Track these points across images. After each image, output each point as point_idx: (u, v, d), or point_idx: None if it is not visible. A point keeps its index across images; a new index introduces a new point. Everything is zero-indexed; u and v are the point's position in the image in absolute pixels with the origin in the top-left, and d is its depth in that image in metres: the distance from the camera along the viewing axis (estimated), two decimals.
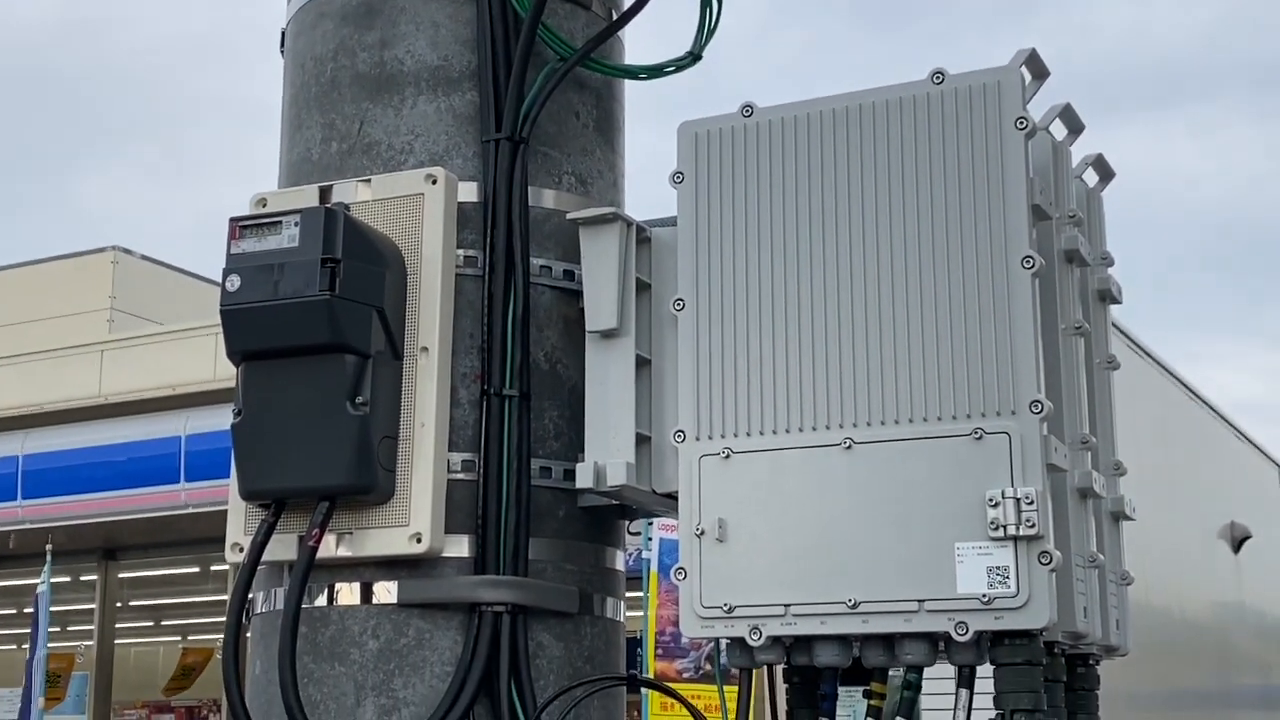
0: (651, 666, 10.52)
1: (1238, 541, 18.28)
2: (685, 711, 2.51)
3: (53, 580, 12.74)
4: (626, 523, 2.53)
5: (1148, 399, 15.60)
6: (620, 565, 2.47)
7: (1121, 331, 14.98)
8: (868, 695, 2.09)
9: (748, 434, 2.07)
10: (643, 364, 2.28)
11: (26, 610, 16.20)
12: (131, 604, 17.22)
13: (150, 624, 19.07)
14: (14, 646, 16.72)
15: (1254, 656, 19.69)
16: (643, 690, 10.56)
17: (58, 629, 12.98)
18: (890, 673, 2.12)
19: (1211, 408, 18.81)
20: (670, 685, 2.29)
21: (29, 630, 16.08)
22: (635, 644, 10.78)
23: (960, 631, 1.87)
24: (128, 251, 16.30)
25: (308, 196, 2.27)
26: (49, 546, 12.41)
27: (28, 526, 13.78)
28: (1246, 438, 20.64)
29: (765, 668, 2.13)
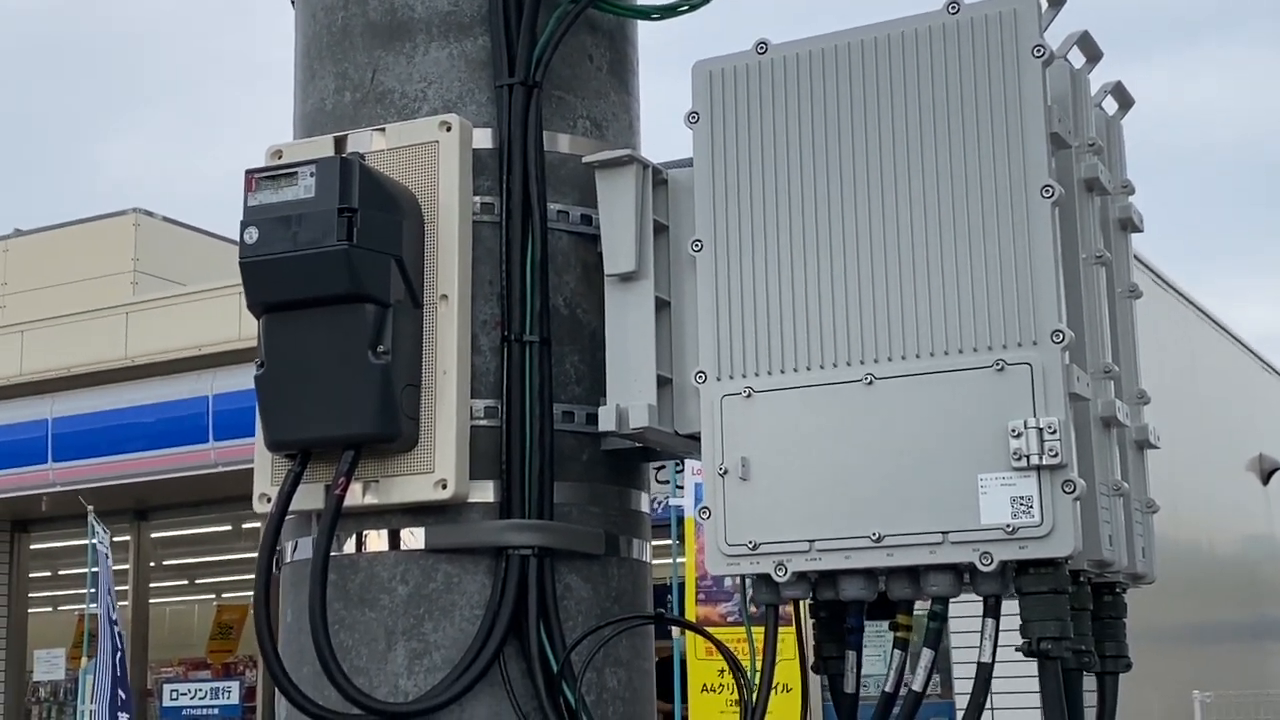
0: (692, 611, 10.59)
1: (1267, 473, 18.22)
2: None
3: (82, 542, 12.80)
4: (651, 465, 2.53)
5: (1173, 332, 15.53)
6: (645, 507, 2.48)
7: (1145, 265, 14.90)
8: (894, 628, 2.10)
9: (769, 373, 2.07)
10: (662, 306, 2.28)
11: (61, 573, 16.35)
12: (165, 564, 17.35)
13: (184, 583, 19.19)
14: (50, 609, 16.86)
15: (1237, 581, 19.57)
16: (676, 634, 10.63)
17: (91, 590, 13.04)
18: (916, 608, 2.14)
19: (1238, 340, 18.70)
20: (698, 625, 2.28)
21: (65, 592, 16.22)
22: (664, 590, 10.84)
23: (985, 562, 1.88)
24: (149, 214, 16.35)
25: (323, 147, 2.27)
26: (90, 508, 12.44)
27: (59, 489, 13.87)
28: (1274, 369, 20.54)
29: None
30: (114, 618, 10.84)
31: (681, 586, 10.68)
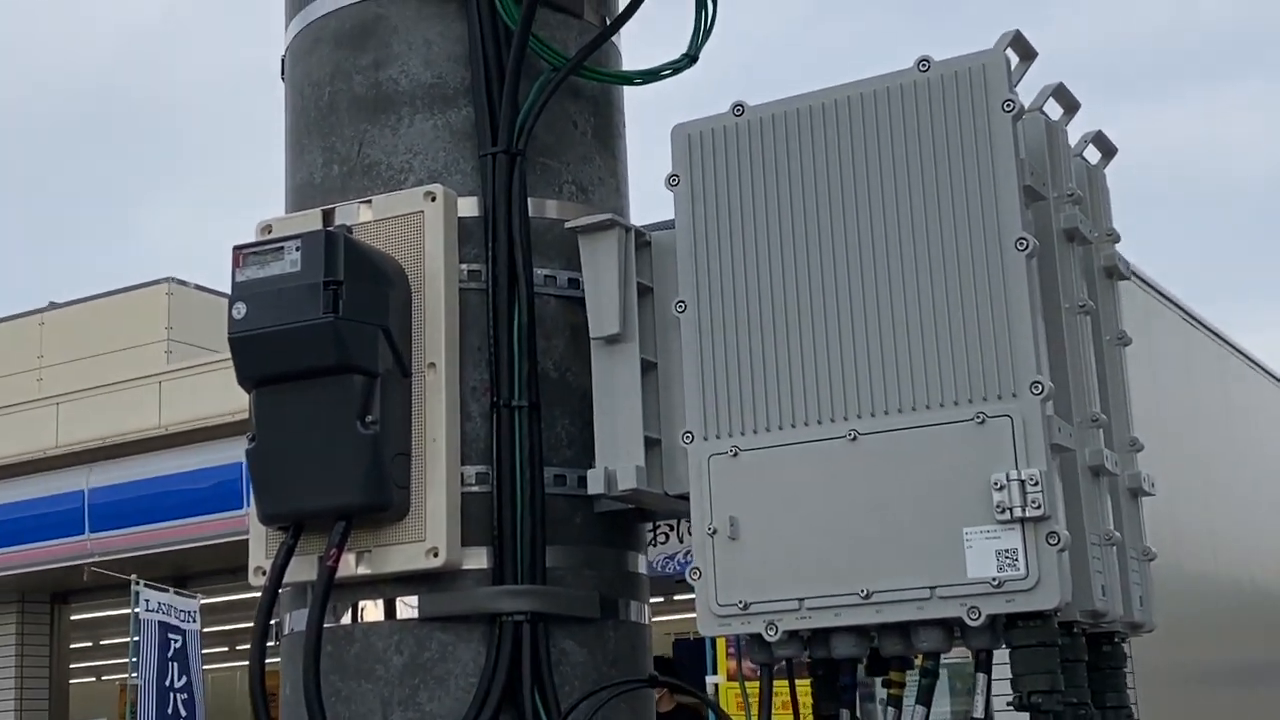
0: (723, 665, 10.51)
1: None
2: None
3: (124, 611, 12.82)
4: (649, 526, 2.53)
5: (1207, 372, 15.47)
6: (643, 569, 2.47)
7: (1179, 306, 14.84)
8: (886, 685, 2.09)
9: (754, 431, 2.08)
10: (649, 367, 2.29)
11: (103, 643, 16.36)
12: (206, 630, 17.39)
13: (225, 649, 19.24)
14: (93, 679, 16.90)
15: None
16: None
17: (133, 659, 13.11)
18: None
19: (1271, 374, 18.60)
20: (690, 686, 2.26)
21: (104, 662, 16.23)
22: (697, 645, 10.78)
23: (973, 616, 1.88)
24: (182, 283, 16.46)
25: (311, 220, 2.29)
26: (135, 577, 12.49)
27: (97, 559, 13.93)
28: None
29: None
30: (179, 685, 10.82)
31: (713, 641, 10.61)
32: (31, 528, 14.55)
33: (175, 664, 10.77)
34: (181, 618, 11.44)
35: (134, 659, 11.57)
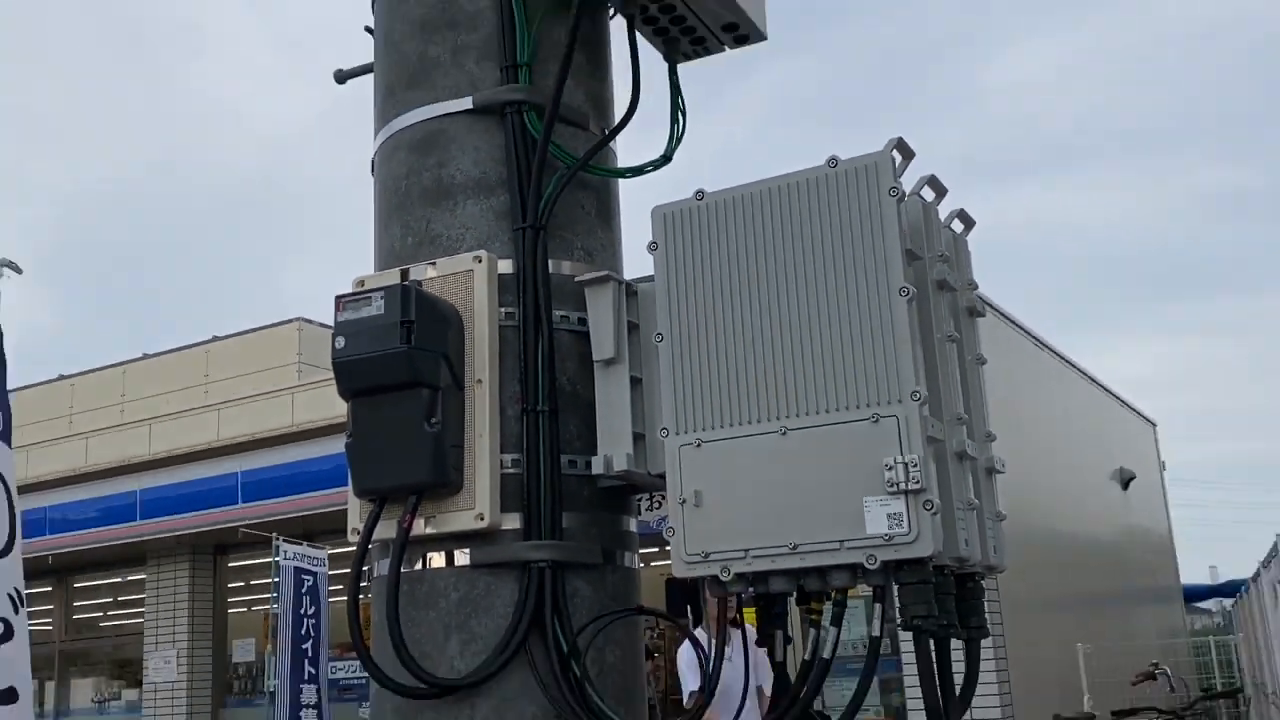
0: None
1: (1126, 481, 18.16)
2: None
3: (267, 560, 12.79)
4: (639, 497, 2.52)
5: (1051, 384, 15.52)
6: (634, 528, 2.45)
7: (1030, 334, 14.87)
8: (808, 612, 2.08)
9: (712, 428, 2.07)
10: (635, 382, 2.28)
11: (252, 583, 16.34)
12: (332, 572, 17.45)
13: (342, 586, 19.24)
14: (245, 609, 16.84)
15: (1143, 564, 19.50)
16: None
17: (273, 595, 13.17)
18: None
19: (1103, 386, 18.67)
20: (668, 614, 2.26)
21: (253, 598, 16.19)
22: (684, 583, 10.77)
23: (870, 562, 1.88)
24: (309, 321, 16.46)
25: (391, 277, 2.28)
26: (275, 535, 12.48)
27: (247, 522, 13.96)
28: (1130, 406, 20.46)
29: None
30: (309, 613, 10.76)
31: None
32: (199, 500, 14.59)
33: (307, 598, 10.76)
34: (312, 563, 11.42)
35: (275, 595, 11.52)
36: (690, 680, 6.19)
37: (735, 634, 2.10)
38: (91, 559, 16.48)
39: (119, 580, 17.10)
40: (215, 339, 16.96)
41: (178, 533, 14.96)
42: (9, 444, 3.19)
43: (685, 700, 5.99)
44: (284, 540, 11.85)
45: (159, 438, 15.22)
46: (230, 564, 16.29)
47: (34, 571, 16.83)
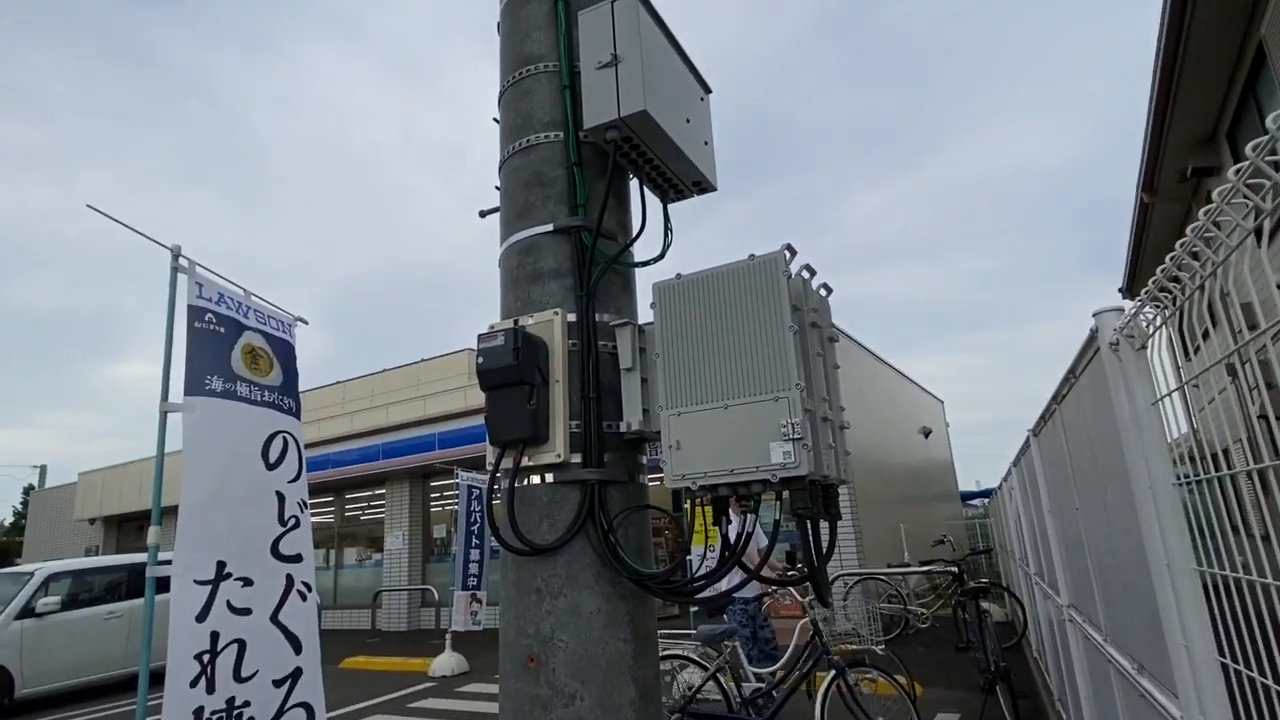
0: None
1: (926, 433, 17.95)
2: None
3: (454, 482, 12.72)
4: (646, 444, 2.48)
5: (882, 379, 15.36)
6: (645, 461, 2.39)
7: (871, 351, 14.69)
8: (741, 506, 2.04)
9: (685, 406, 2.04)
10: (644, 382, 2.25)
11: (445, 494, 16.31)
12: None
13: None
14: (440, 509, 16.86)
15: (937, 480, 19.14)
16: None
17: (453, 510, 13.17)
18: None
19: (910, 379, 18.47)
20: (666, 510, 2.20)
21: (446, 505, 16.16)
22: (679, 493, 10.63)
23: (773, 478, 1.85)
24: (472, 349, 16.47)
25: (508, 324, 2.26)
26: (457, 469, 12.40)
27: (441, 461, 13.96)
28: (928, 391, 20.23)
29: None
30: (475, 510, 10.54)
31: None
32: (415, 448, 14.63)
33: (475, 502, 10.69)
34: (477, 482, 11.35)
35: (457, 499, 11.45)
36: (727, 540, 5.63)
37: (750, 518, 2.06)
38: (354, 482, 16.55)
39: (369, 493, 17.15)
40: (423, 360, 16.97)
41: (403, 466, 15.01)
42: (299, 418, 3.21)
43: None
44: (460, 469, 11.84)
45: (394, 414, 15.29)
46: (431, 484, 16.31)
47: (321, 489, 16.93)
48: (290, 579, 2.99)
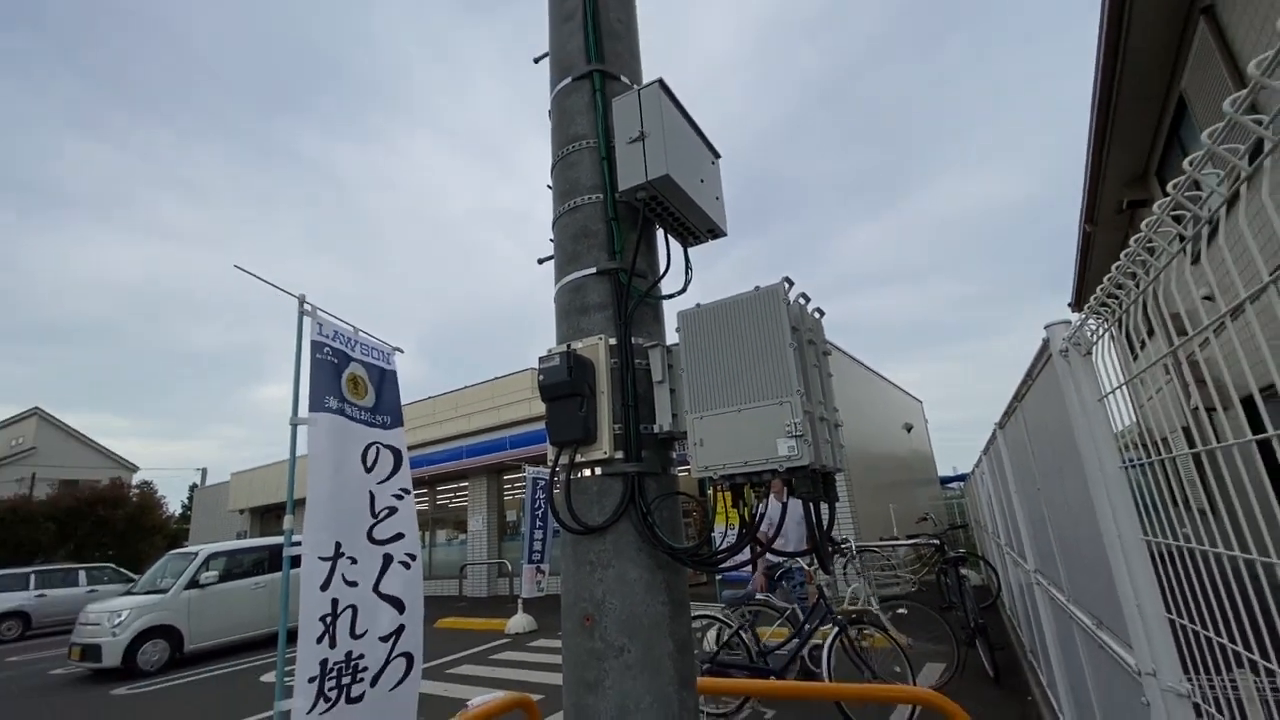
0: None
1: (908, 428, 17.46)
2: None
3: (523, 475, 12.74)
4: (677, 442, 2.46)
5: (871, 386, 15.03)
6: (675, 457, 2.35)
7: (861, 362, 14.40)
8: (755, 493, 2.01)
9: (707, 410, 2.02)
10: (672, 391, 2.22)
11: (516, 486, 16.36)
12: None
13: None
14: (510, 497, 16.92)
15: (919, 468, 18.64)
16: None
17: (523, 497, 13.17)
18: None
19: (894, 384, 18.02)
20: (690, 494, 2.15)
21: (517, 494, 16.19)
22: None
23: (780, 469, 1.83)
24: (535, 368, 16.57)
25: (562, 348, 2.26)
26: (524, 464, 12.41)
27: (512, 459, 14.00)
28: (909, 393, 19.74)
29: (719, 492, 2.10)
30: (540, 498, 10.38)
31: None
32: (491, 449, 14.73)
33: (541, 492, 10.68)
34: (542, 475, 11.33)
35: (525, 490, 11.44)
36: (766, 524, 5.30)
37: (790, 501, 2.02)
38: (443, 477, 16.72)
39: (455, 486, 17.31)
40: (497, 378, 17.14)
41: (482, 464, 15.12)
42: (396, 428, 3.27)
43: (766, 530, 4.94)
44: (527, 465, 11.89)
45: (474, 422, 15.45)
46: (504, 478, 16.39)
47: (418, 483, 17.12)
48: (389, 556, 3.03)
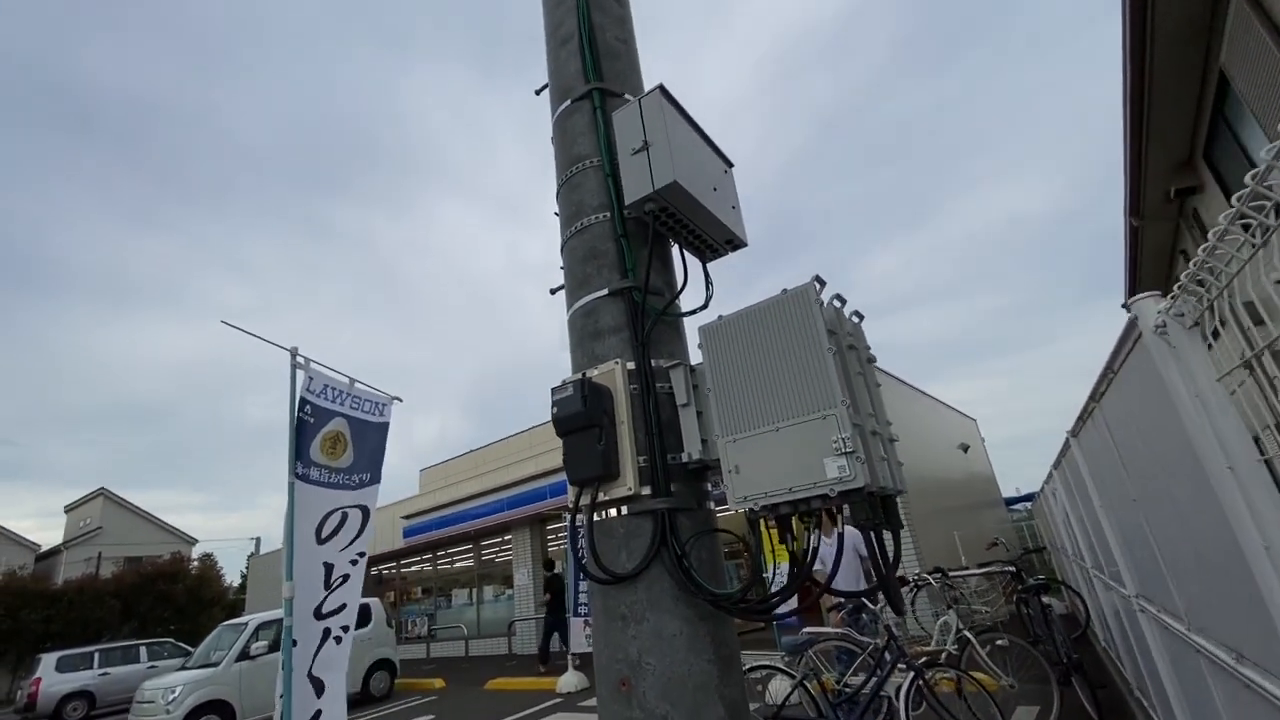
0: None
1: (965, 448, 16.64)
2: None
3: (564, 524, 12.47)
4: (709, 472, 2.24)
5: (918, 406, 14.46)
6: (709, 489, 2.14)
7: (905, 381, 13.89)
8: (804, 523, 1.76)
9: (740, 432, 1.80)
10: (699, 414, 2.02)
11: (559, 535, 16.10)
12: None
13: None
14: (555, 546, 16.65)
15: (980, 490, 17.62)
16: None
17: (565, 545, 12.91)
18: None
19: (944, 403, 17.32)
20: (727, 529, 1.92)
21: (559, 544, 15.93)
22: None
23: (831, 494, 1.57)
24: None
25: (576, 376, 2.10)
26: (565, 513, 12.17)
27: (552, 508, 13.81)
28: (962, 412, 18.92)
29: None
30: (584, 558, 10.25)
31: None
32: (530, 500, 14.56)
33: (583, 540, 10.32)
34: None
35: (566, 538, 11.15)
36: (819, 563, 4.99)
37: (835, 532, 1.78)
38: (486, 531, 16.56)
39: (500, 539, 17.10)
40: (534, 426, 17.14)
41: (523, 515, 14.94)
42: (371, 486, 3.14)
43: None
44: (567, 512, 11.65)
45: (515, 472, 15.35)
46: (547, 527, 16.15)
47: (464, 539, 16.98)
48: (328, 631, 2.87)
